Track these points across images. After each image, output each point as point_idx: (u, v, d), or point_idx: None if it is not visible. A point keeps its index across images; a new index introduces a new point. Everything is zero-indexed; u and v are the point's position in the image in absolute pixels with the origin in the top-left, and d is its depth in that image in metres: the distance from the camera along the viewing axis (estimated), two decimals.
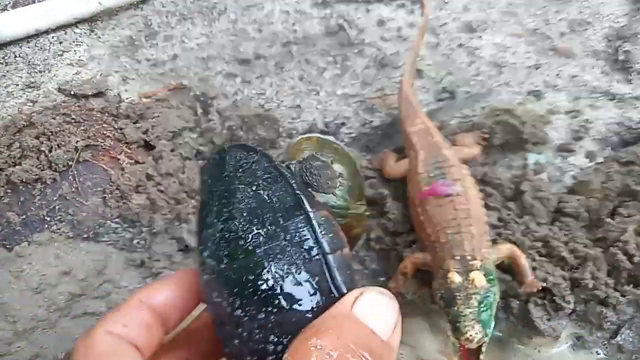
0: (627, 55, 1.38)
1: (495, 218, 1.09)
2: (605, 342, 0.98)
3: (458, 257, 0.92)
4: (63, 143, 1.16)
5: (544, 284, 0.97)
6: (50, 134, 1.16)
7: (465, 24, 1.57)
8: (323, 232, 0.51)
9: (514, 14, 1.58)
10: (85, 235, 1.15)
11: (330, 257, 0.50)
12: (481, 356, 0.84)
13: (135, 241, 1.17)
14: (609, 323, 0.97)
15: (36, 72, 1.56)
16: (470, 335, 0.81)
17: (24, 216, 1.12)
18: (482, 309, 0.84)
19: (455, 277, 0.88)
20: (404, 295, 1.08)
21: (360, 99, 1.41)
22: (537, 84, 1.39)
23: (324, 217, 0.53)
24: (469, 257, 0.92)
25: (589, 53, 1.47)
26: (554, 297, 0.97)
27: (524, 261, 0.98)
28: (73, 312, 1.09)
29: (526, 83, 1.40)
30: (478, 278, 0.87)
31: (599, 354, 0.99)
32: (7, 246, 1.11)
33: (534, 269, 0.99)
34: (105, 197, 1.16)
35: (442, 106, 1.37)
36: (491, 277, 0.90)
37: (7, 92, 1.49)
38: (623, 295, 0.97)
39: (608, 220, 1.03)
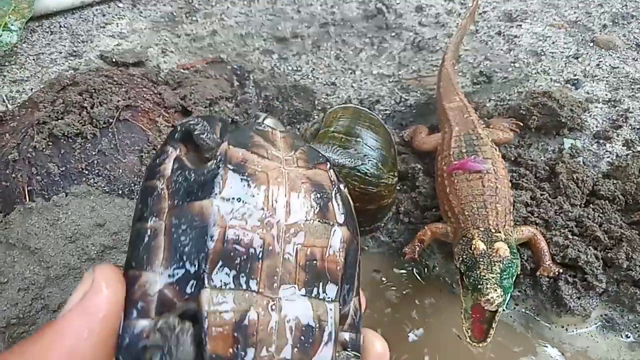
0: None
1: (529, 197, 1.08)
2: (637, 325, 0.96)
3: (482, 229, 0.92)
4: (105, 101, 1.19)
5: (561, 271, 0.96)
6: (93, 91, 1.20)
7: (505, 13, 1.56)
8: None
9: (555, 5, 1.57)
10: (120, 192, 1.17)
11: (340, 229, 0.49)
12: (493, 324, 0.83)
13: None
14: None
15: (79, 42, 1.61)
16: (492, 298, 0.80)
17: (63, 168, 1.15)
18: (504, 277, 0.84)
19: (480, 244, 0.88)
20: (427, 267, 1.08)
21: (396, 79, 1.41)
22: (575, 73, 1.38)
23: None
24: (493, 230, 0.92)
25: (632, 46, 1.45)
26: (586, 276, 0.95)
27: (543, 245, 0.98)
28: (104, 263, 1.11)
29: (565, 72, 1.39)
30: (502, 248, 0.87)
31: (628, 337, 0.96)
32: (46, 196, 1.14)
33: (565, 247, 0.98)
34: (142, 156, 1.19)
35: (479, 89, 1.36)
36: (514, 251, 0.90)
37: (51, 59, 1.54)
38: None
39: None
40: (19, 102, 1.31)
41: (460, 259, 0.89)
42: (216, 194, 0.44)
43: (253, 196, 0.46)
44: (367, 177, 1.05)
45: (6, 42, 1.48)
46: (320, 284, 0.45)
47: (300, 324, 0.43)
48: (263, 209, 0.45)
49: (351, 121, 1.11)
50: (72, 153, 1.15)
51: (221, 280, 0.41)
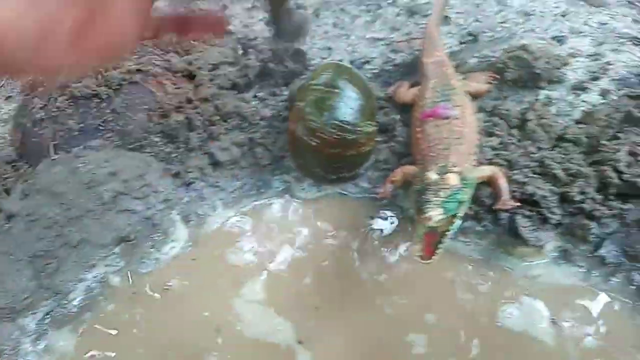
0: None
1: (497, 142, 1.15)
2: (589, 255, 1.02)
3: (441, 165, 1.01)
4: (118, 65, 1.34)
5: (518, 204, 1.03)
6: None
7: None
8: None
9: None
10: (131, 146, 1.32)
11: None
12: (440, 246, 0.93)
13: (173, 154, 1.33)
14: (593, 236, 1.00)
15: None
16: (430, 215, 0.90)
17: (81, 124, 1.31)
18: (448, 201, 0.93)
19: (432, 175, 0.98)
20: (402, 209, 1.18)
21: (387, 42, 1.49)
22: (562, 31, 1.41)
23: None
24: (450, 164, 1.00)
25: (624, 3, 1.47)
26: (541, 210, 1.02)
27: (502, 182, 1.05)
28: (117, 207, 1.26)
29: (551, 29, 1.42)
30: (452, 177, 0.96)
31: (581, 266, 1.02)
32: (67, 149, 1.30)
33: (525, 184, 1.05)
34: (150, 114, 1.33)
35: (464, 48, 1.43)
36: (467, 183, 0.98)
37: None
38: (609, 210, 1.00)
39: (605, 142, 1.06)
40: None
41: (415, 189, 0.99)
42: None
43: None
44: (345, 125, 1.15)
45: None
46: None
47: None
48: None
49: (332, 75, 1.21)
50: (89, 112, 1.31)
51: None
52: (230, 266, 1.20)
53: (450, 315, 1.04)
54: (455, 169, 0.99)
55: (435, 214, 0.90)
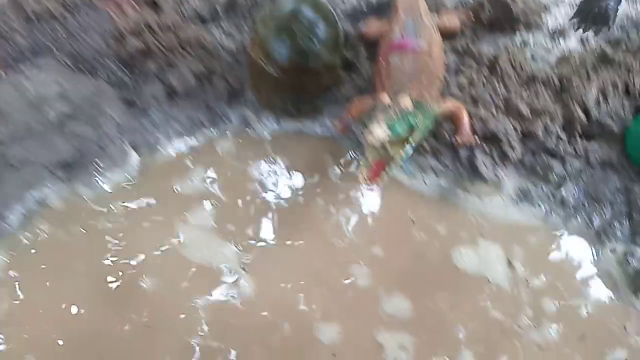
0: None
1: (465, 80, 1.09)
2: (550, 195, 0.96)
3: (399, 93, 0.96)
4: None
5: (478, 141, 0.99)
6: None
7: None
8: None
9: None
10: (84, 69, 1.25)
11: None
12: (386, 170, 0.88)
13: (127, 80, 1.26)
14: (555, 175, 0.95)
15: None
16: (374, 132, 0.85)
17: (33, 44, 1.24)
18: (397, 122, 0.88)
19: (385, 98, 0.93)
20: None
21: None
22: None
23: None
24: (407, 92, 0.95)
25: None
26: (502, 144, 0.97)
27: (465, 117, 1.00)
28: (64, 130, 1.19)
29: None
30: (405, 100, 0.91)
31: (541, 207, 0.97)
32: (16, 68, 1.23)
33: (488, 121, 0.99)
34: (105, 37, 1.26)
35: None
36: (423, 110, 0.93)
37: None
38: (574, 149, 0.94)
39: (575, 80, 1.00)
40: None
41: (369, 113, 0.93)
42: None
43: None
44: (304, 52, 1.09)
45: None
46: None
47: None
48: None
49: (296, 2, 1.14)
50: (42, 31, 1.24)
51: None
52: (178, 194, 1.14)
53: (400, 252, 0.99)
54: (412, 96, 0.93)
55: (378, 130, 0.84)
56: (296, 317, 0.97)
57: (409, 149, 0.89)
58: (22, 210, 1.13)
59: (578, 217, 0.94)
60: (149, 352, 0.99)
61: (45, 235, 1.10)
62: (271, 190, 1.12)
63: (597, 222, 0.93)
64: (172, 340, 0.99)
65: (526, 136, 0.97)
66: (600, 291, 0.92)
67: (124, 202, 1.14)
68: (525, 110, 0.98)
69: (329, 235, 1.02)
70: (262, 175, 1.15)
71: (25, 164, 1.16)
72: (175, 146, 1.22)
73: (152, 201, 1.14)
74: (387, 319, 0.95)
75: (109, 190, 1.16)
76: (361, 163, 0.91)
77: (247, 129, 1.22)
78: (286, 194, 1.11)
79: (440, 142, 1.02)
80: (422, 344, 0.93)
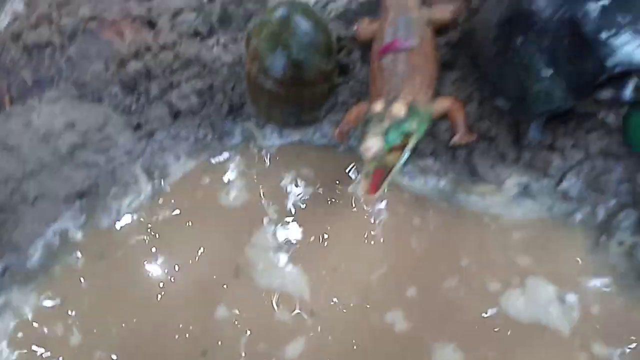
0: None
1: (459, 76, 1.10)
2: (552, 189, 0.97)
3: (391, 97, 0.97)
4: (72, 12, 1.28)
5: (474, 139, 1.00)
6: (60, 2, 1.29)
7: None
8: None
9: None
10: (89, 97, 1.28)
11: None
12: (386, 180, 0.90)
13: (132, 106, 1.28)
14: (555, 169, 0.95)
15: None
16: (368, 145, 0.87)
17: (36, 76, 1.26)
18: (390, 131, 0.89)
19: (378, 106, 0.94)
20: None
21: None
22: None
23: None
24: (401, 97, 0.96)
25: None
26: (498, 145, 0.98)
27: (460, 115, 1.01)
28: (75, 160, 1.22)
29: None
30: (397, 108, 0.92)
31: (543, 202, 0.98)
32: (22, 102, 1.26)
33: (480, 118, 1.01)
34: (107, 63, 1.28)
35: None
36: (417, 114, 0.94)
37: None
38: (572, 141, 0.95)
39: None
40: None
41: (363, 121, 0.95)
42: None
43: None
44: (297, 62, 1.09)
45: None
46: None
47: None
48: None
49: (286, 10, 1.14)
50: (43, 63, 1.26)
51: None
52: (193, 216, 1.18)
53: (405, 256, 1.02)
54: (402, 100, 0.94)
55: (373, 144, 0.86)
56: None
57: (406, 155, 0.91)
58: (44, 244, 1.16)
59: (582, 210, 0.96)
60: None
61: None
62: (278, 204, 1.15)
63: (602, 214, 0.94)
64: None
65: (523, 132, 0.98)
66: (606, 284, 0.93)
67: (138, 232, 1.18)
68: None
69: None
70: (271, 188, 1.17)
71: (41, 198, 1.19)
72: (185, 166, 1.25)
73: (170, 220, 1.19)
74: None
75: (124, 218, 1.20)
76: (360, 175, 0.93)
77: (250, 142, 1.24)
78: (294, 205, 1.14)
79: (437, 142, 1.05)
80: None
